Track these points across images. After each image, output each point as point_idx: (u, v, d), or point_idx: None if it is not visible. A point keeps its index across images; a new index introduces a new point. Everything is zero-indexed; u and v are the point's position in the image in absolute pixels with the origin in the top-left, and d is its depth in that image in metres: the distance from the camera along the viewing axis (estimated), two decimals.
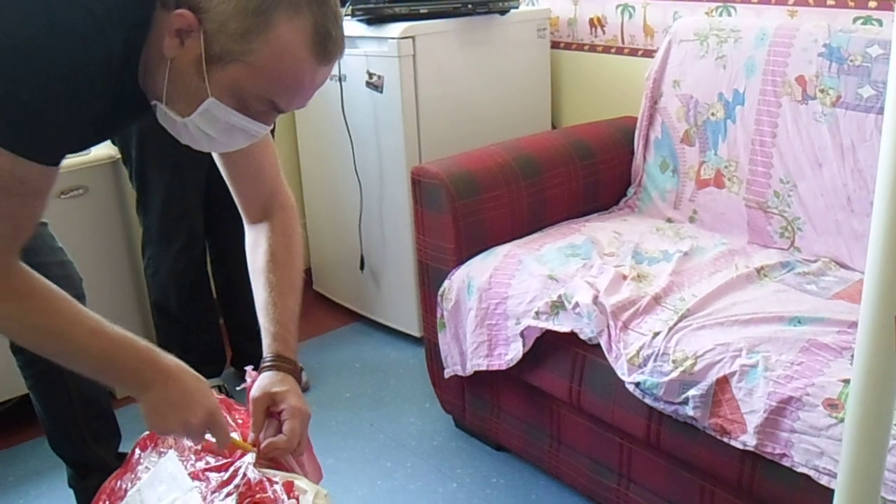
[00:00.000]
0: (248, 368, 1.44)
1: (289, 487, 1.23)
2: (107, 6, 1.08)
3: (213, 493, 1.26)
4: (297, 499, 1.22)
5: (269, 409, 1.35)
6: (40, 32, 1.03)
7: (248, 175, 1.45)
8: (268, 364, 1.40)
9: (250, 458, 1.28)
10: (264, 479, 1.24)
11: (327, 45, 1.15)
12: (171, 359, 1.28)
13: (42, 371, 1.90)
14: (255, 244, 1.49)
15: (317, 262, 3.36)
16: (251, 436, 1.35)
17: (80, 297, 1.74)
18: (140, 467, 1.39)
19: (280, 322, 1.43)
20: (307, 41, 1.12)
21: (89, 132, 1.20)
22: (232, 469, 1.27)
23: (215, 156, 1.45)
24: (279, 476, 1.26)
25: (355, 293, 3.15)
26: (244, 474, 1.25)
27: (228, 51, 1.11)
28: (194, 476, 1.30)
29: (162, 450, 1.39)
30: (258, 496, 1.21)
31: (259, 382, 1.38)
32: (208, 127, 1.19)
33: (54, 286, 1.19)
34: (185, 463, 1.34)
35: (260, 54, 1.11)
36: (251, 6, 1.09)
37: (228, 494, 1.23)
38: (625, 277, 1.96)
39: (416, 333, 2.88)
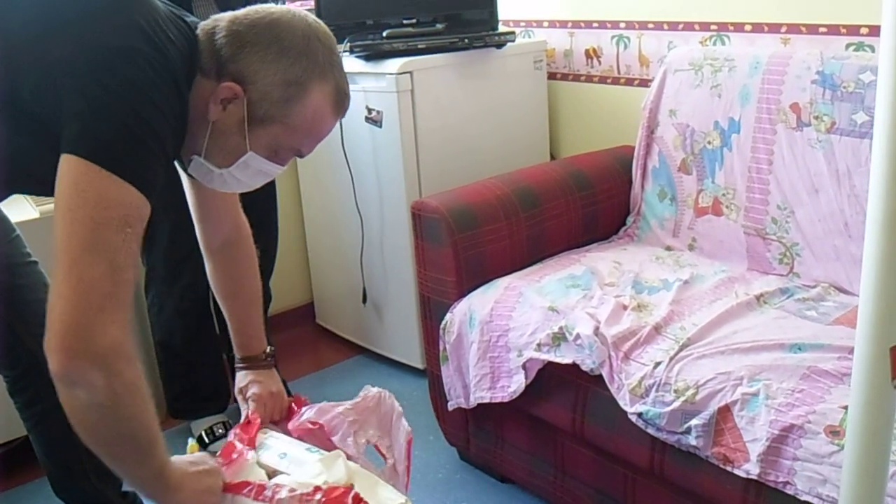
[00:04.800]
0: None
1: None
2: (177, 76, 1.24)
3: None
4: None
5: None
6: (147, 98, 1.19)
7: (217, 207, 1.63)
8: (238, 367, 1.72)
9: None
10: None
11: (345, 103, 1.38)
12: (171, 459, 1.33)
13: (43, 411, 1.90)
14: (223, 273, 1.70)
15: (319, 295, 3.37)
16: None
17: None
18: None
19: (241, 332, 1.71)
20: (331, 102, 1.34)
21: None
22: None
23: (186, 188, 1.61)
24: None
25: (358, 326, 3.16)
26: None
27: (271, 115, 1.30)
28: None
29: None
30: None
31: (236, 384, 1.69)
32: (241, 174, 1.38)
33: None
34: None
35: (298, 117, 1.32)
36: (291, 78, 1.29)
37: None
38: (625, 307, 1.97)
39: (420, 366, 2.89)
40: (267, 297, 2.69)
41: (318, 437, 1.55)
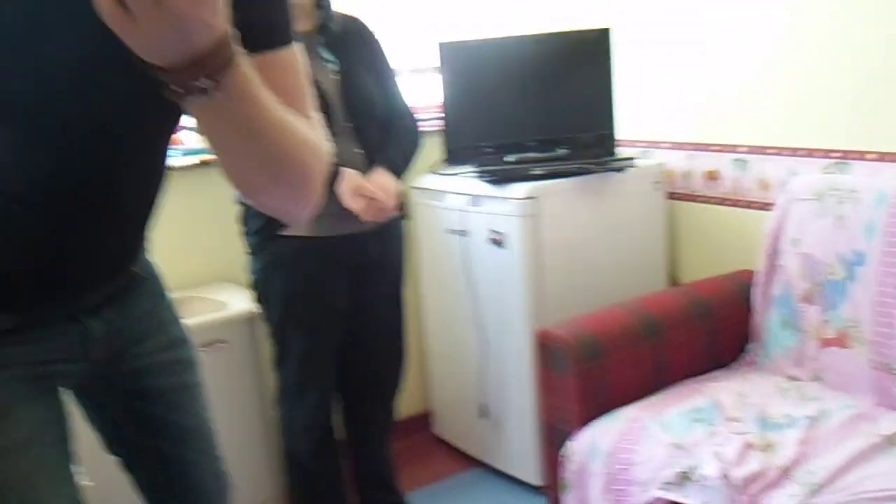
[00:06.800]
0: None
1: None
2: None
3: None
4: None
5: None
6: None
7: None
8: None
9: None
10: None
11: None
12: None
13: None
14: None
15: (437, 405, 3.43)
16: None
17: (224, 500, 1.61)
18: None
19: None
20: None
21: None
22: None
23: None
24: None
25: (475, 438, 3.20)
26: None
27: None
28: None
29: None
30: None
31: None
32: None
33: None
34: None
35: None
36: None
37: None
38: (751, 446, 1.97)
39: (535, 482, 2.90)
40: (391, 416, 2.79)
41: None
